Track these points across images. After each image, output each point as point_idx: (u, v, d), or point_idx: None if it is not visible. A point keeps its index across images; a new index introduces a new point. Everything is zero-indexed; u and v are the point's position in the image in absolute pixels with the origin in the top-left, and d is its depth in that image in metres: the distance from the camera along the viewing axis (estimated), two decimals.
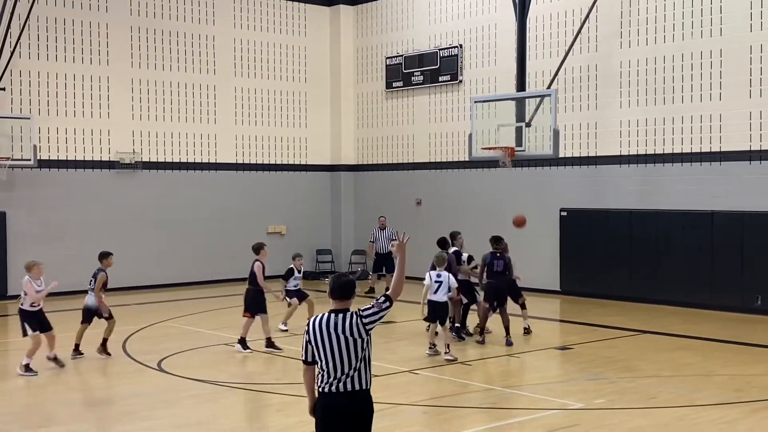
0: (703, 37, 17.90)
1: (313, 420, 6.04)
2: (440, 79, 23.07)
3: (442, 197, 23.14)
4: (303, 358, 6.06)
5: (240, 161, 23.95)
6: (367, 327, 5.94)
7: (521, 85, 18.78)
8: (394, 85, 24.38)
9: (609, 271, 19.36)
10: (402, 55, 24.09)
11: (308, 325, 6.03)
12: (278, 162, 24.71)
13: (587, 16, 18.95)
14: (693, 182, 18.15)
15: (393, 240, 20.51)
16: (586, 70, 19.85)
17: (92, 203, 21.28)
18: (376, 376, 11.68)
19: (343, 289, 6.00)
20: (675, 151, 18.43)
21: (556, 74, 18.99)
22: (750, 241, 17.29)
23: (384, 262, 20.72)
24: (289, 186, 24.77)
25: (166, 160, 22.61)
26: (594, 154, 19.83)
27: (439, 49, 23.06)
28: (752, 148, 17.30)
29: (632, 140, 19.17)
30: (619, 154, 19.36)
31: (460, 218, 22.52)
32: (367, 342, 5.98)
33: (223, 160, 23.63)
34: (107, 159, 21.65)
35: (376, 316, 5.95)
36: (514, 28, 19.27)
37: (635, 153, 19.09)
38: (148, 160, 22.22)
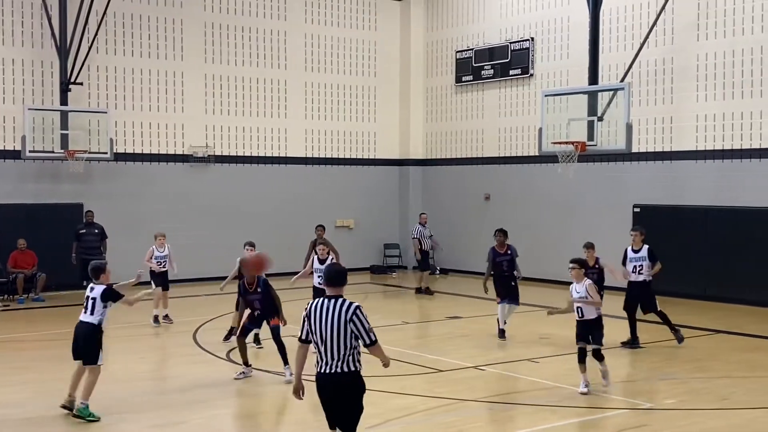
0: None
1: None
2: (511, 72, 22.84)
3: (510, 192, 22.93)
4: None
5: (310, 155, 24.16)
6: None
7: (594, 78, 18.45)
8: (464, 79, 24.23)
9: (683, 269, 18.86)
10: (472, 49, 23.93)
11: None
12: (347, 156, 24.84)
13: (663, 8, 18.50)
14: None
15: (431, 236, 20.61)
16: (661, 63, 19.40)
17: (166, 196, 21.74)
18: (441, 371, 11.72)
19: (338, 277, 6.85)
20: (753, 147, 17.89)
21: (630, 67, 18.60)
22: None
23: (427, 259, 20.80)
24: (357, 180, 24.88)
25: (238, 154, 22.95)
26: (669, 149, 19.38)
27: (510, 43, 22.84)
28: None
29: (709, 135, 18.66)
30: (695, 149, 18.88)
31: (529, 214, 22.30)
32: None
33: (294, 154, 23.86)
34: (181, 153, 22.09)
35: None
36: (587, 21, 18.92)
37: (711, 148, 18.59)
38: (220, 153, 22.60)
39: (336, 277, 6.81)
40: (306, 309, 6.85)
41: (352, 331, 6.64)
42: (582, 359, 10.55)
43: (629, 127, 16.74)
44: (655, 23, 18.63)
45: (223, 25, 22.64)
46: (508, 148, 23.17)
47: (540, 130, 18.37)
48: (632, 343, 13.54)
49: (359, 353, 6.74)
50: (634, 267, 13.57)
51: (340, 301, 6.71)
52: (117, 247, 19.43)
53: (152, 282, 15.58)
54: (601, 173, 20.53)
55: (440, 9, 25.08)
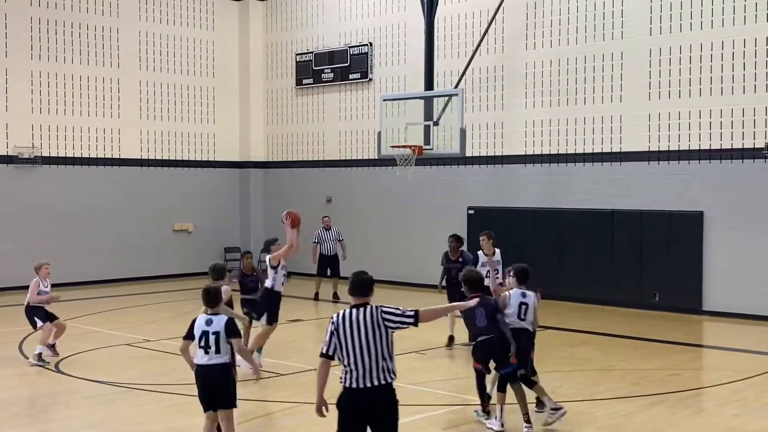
0: (605, 40, 18.41)
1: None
2: (350, 76, 23.07)
3: (352, 195, 23.16)
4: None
5: (145, 157, 23.44)
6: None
7: (429, 84, 18.95)
8: (304, 82, 24.26)
9: None
10: (312, 52, 23.99)
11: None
12: (185, 158, 24.30)
13: (493, 18, 19.27)
14: (594, 181, 18.66)
15: (340, 240, 20.10)
16: (492, 71, 20.16)
17: None
18: (282, 375, 11.67)
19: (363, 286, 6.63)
20: (577, 151, 18.91)
21: (463, 74, 19.24)
22: (648, 239, 17.88)
23: (329, 264, 19.69)
24: (196, 183, 24.38)
25: (68, 155, 21.95)
26: (500, 154, 20.17)
27: (350, 47, 23.06)
28: (651, 149, 17.88)
29: (536, 140, 19.57)
30: (524, 153, 19.74)
31: (369, 216, 22.63)
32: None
33: (128, 155, 23.08)
34: (5, 153, 20.89)
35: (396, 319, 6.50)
36: (423, 28, 19.43)
37: (539, 153, 19.50)
38: (48, 155, 21.54)
39: (362, 285, 6.59)
40: (332, 322, 6.54)
41: (388, 332, 6.44)
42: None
43: (463, 132, 17.31)
44: (486, 32, 19.36)
45: (50, 20, 21.59)
46: (348, 151, 23.39)
47: (379, 133, 18.67)
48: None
49: (394, 364, 6.50)
50: (488, 272, 13.31)
51: (365, 308, 6.49)
52: None
53: (36, 320, 12.92)
54: (437, 176, 21.11)
55: (279, 11, 24.99)
